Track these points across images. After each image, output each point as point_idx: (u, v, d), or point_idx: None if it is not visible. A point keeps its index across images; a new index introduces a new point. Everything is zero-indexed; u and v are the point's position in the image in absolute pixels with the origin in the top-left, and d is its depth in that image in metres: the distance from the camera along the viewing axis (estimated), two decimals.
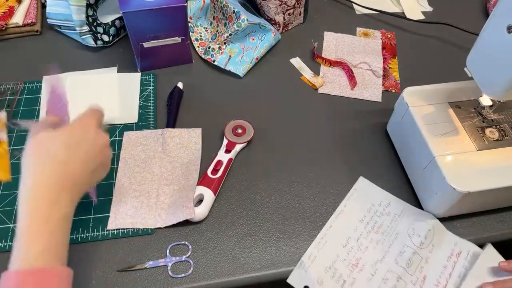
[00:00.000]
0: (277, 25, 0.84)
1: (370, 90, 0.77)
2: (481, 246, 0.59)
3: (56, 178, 0.47)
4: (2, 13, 0.80)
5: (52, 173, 0.47)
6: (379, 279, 0.55)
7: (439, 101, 0.63)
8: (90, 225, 0.58)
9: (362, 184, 0.64)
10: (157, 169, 0.64)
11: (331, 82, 0.78)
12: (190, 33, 0.83)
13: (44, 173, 0.47)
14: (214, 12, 0.83)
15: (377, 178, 0.65)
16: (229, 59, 0.79)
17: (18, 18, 0.82)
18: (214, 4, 0.82)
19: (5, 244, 0.56)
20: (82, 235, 0.57)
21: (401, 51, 0.85)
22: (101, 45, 0.80)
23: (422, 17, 0.92)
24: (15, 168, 0.63)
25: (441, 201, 0.57)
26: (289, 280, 0.55)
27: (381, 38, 0.87)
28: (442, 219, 0.60)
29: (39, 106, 0.71)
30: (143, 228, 0.58)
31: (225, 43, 0.79)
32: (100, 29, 0.79)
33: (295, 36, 0.86)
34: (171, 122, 0.69)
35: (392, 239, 0.58)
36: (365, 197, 0.63)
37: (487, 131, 0.60)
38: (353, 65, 0.81)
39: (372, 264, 0.56)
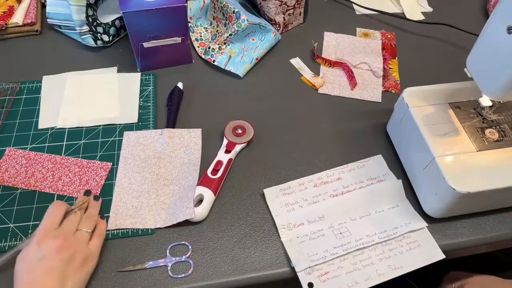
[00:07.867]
0: (277, 25, 0.84)
1: (370, 90, 0.77)
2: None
3: None
4: (2, 13, 0.80)
5: None
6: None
7: (439, 101, 0.63)
8: None
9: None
10: (157, 169, 0.64)
11: (331, 83, 0.78)
12: (190, 33, 0.83)
13: None
14: (214, 12, 0.83)
15: None
16: (229, 59, 0.79)
17: (18, 18, 0.81)
18: (214, 4, 0.82)
19: (5, 244, 0.56)
20: None
21: (401, 52, 0.85)
22: (101, 45, 0.80)
23: (422, 17, 0.92)
24: None
25: (441, 202, 0.57)
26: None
27: (381, 39, 0.87)
28: (442, 219, 0.60)
29: (39, 106, 0.71)
30: (143, 228, 0.58)
31: (225, 43, 0.79)
32: (100, 29, 0.79)
33: (295, 36, 0.86)
34: (171, 122, 0.69)
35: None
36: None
37: (487, 131, 0.60)
38: (353, 65, 0.81)
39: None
